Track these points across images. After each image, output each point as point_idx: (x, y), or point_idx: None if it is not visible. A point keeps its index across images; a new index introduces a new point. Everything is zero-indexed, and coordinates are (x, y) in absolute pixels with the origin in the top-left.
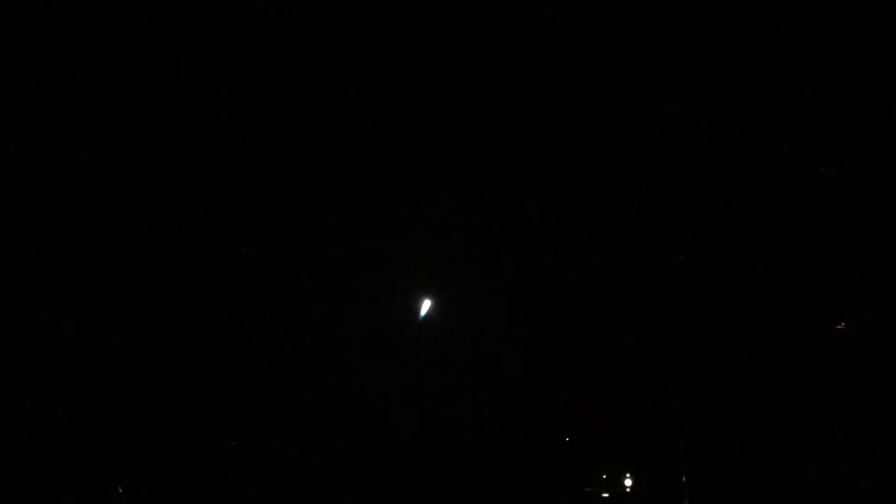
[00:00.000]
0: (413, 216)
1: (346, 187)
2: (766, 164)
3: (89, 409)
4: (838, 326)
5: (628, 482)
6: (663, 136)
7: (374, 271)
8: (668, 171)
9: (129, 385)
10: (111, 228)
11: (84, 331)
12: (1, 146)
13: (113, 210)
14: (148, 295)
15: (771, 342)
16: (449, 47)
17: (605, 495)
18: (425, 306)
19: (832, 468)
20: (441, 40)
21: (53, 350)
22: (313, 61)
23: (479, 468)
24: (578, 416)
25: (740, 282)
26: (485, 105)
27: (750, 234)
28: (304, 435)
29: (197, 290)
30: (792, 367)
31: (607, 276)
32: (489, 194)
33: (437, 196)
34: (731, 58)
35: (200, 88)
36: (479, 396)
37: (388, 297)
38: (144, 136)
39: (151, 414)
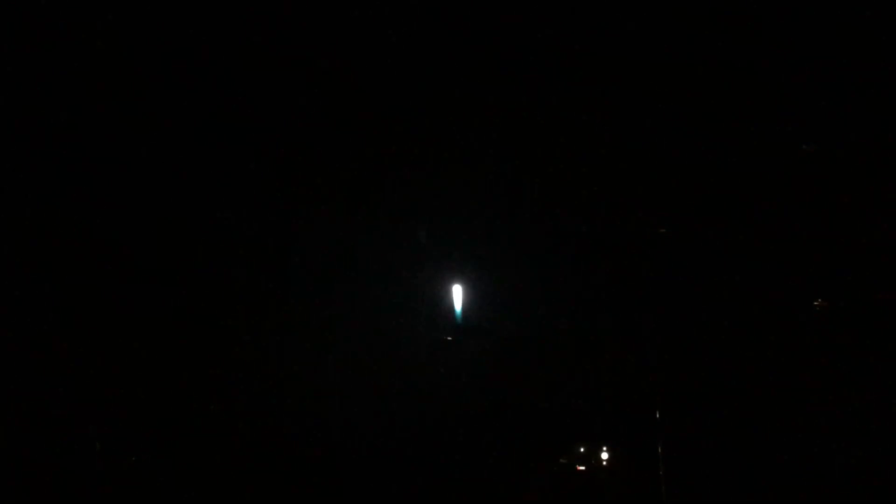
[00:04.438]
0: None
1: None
2: (745, 141)
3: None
4: (815, 303)
5: (605, 455)
6: (642, 122)
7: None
8: (644, 152)
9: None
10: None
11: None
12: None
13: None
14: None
15: (748, 318)
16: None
17: (581, 468)
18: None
19: (809, 443)
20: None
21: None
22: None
23: (452, 439)
24: (556, 389)
25: (717, 258)
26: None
27: (728, 212)
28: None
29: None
30: (769, 344)
31: (583, 251)
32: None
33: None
34: (706, 41)
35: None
36: (453, 367)
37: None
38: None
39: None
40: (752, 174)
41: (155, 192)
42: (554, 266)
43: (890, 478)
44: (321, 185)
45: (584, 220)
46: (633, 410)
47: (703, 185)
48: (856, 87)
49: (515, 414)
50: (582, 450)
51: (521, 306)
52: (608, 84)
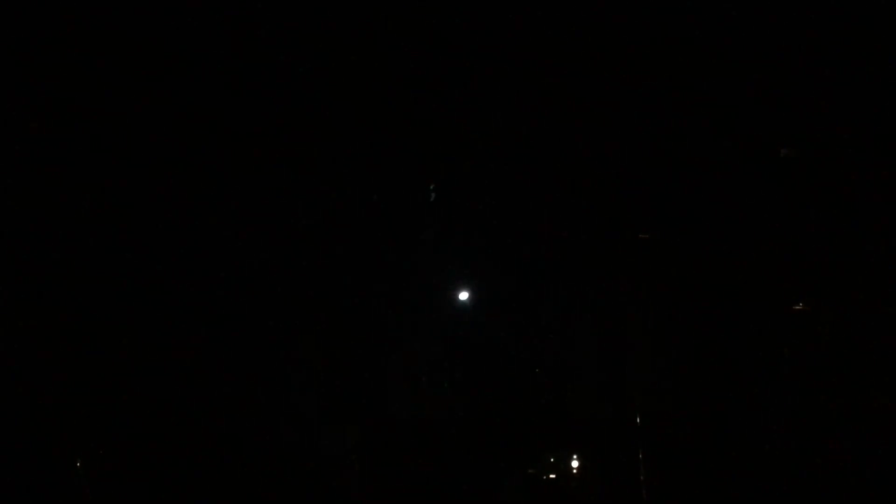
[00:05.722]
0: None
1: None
2: (726, 145)
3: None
4: (797, 307)
5: (575, 463)
6: (631, 120)
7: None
8: (628, 153)
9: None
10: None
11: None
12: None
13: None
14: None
15: (729, 321)
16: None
17: (552, 476)
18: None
19: (790, 445)
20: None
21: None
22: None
23: (420, 449)
24: (530, 396)
25: (699, 260)
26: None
27: (710, 216)
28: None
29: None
30: (751, 348)
31: (559, 257)
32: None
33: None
34: (691, 40)
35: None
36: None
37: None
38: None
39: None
40: (731, 179)
41: (149, 188)
42: (529, 273)
43: (876, 480)
44: (319, 186)
45: (562, 227)
46: (612, 418)
47: (683, 191)
48: (833, 92)
49: (492, 424)
50: (552, 459)
51: (501, 314)
52: (594, 92)
